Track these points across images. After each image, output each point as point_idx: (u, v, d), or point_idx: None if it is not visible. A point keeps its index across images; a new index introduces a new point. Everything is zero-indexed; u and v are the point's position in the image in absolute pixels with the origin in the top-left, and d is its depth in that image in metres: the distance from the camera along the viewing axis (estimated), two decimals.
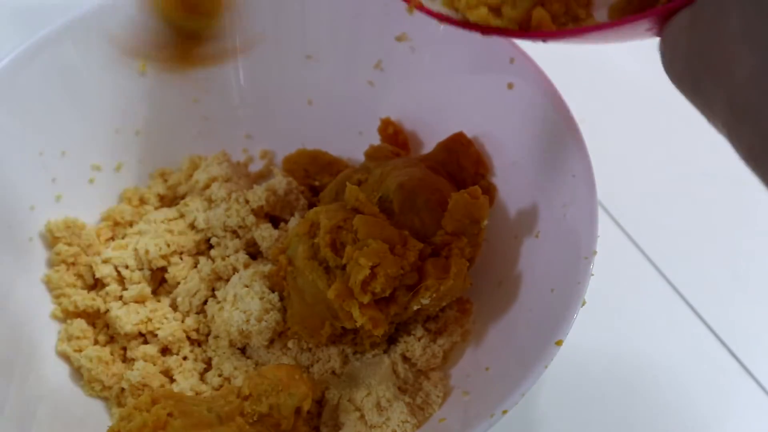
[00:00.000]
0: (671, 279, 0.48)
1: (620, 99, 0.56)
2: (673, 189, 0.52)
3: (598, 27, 0.27)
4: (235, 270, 0.43)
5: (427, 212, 0.37)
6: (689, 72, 0.23)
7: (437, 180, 0.39)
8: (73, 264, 0.43)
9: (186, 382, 0.40)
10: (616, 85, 0.56)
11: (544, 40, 0.29)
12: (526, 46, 0.40)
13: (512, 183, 0.42)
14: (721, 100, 0.21)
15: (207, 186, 0.46)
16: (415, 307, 0.36)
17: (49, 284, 0.42)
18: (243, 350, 0.41)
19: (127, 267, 0.43)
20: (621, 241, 0.49)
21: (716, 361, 0.45)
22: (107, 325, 0.42)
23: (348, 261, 0.35)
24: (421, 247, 0.36)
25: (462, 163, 0.42)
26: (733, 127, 0.21)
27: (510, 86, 0.41)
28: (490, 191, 0.42)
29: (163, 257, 0.43)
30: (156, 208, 0.47)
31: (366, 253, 0.34)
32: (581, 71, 0.50)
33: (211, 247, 0.44)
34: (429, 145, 0.44)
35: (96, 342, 0.42)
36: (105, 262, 0.43)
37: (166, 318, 0.42)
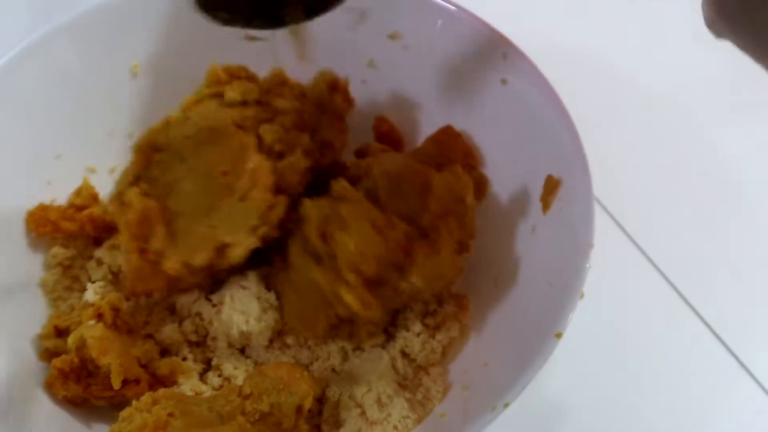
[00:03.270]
0: (670, 278, 0.47)
1: (620, 98, 0.55)
2: (673, 188, 0.51)
3: None
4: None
5: (412, 196, 0.38)
6: (745, 7, 0.23)
7: (421, 166, 0.39)
8: (69, 267, 0.43)
9: (186, 382, 0.39)
10: (616, 84, 0.56)
11: None
12: (521, 42, 0.40)
13: (508, 179, 0.42)
14: None
15: None
16: (407, 289, 0.36)
17: (45, 287, 0.42)
18: (242, 350, 0.41)
19: (121, 269, 0.43)
20: (620, 240, 0.49)
21: (715, 360, 0.45)
22: None
23: (336, 245, 0.36)
24: (405, 227, 0.36)
25: (451, 156, 0.42)
26: None
27: (504, 82, 0.41)
28: (482, 183, 0.42)
29: None
30: None
31: (351, 234, 0.35)
32: (580, 70, 0.50)
33: None
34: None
35: None
36: (99, 264, 0.43)
37: (163, 320, 0.42)
